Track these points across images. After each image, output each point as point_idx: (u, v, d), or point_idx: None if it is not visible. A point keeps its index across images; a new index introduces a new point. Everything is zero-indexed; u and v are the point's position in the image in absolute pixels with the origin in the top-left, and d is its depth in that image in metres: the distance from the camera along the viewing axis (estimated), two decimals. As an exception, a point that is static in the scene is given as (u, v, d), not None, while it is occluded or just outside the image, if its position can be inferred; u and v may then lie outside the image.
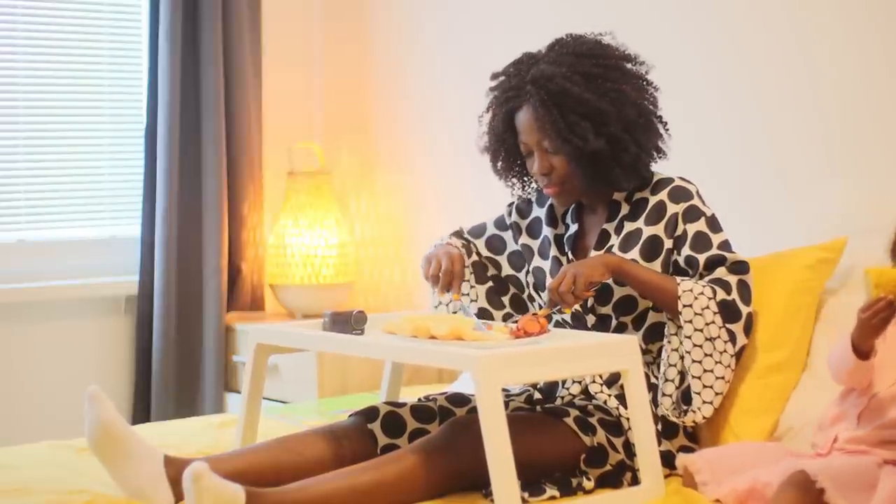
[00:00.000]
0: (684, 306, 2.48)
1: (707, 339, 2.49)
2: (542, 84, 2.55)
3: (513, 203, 2.84)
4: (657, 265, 2.57)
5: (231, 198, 4.00)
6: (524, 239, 2.79)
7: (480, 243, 2.83)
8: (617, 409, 2.50)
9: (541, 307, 2.71)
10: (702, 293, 2.48)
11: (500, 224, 2.84)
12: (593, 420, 2.47)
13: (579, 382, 2.59)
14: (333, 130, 4.27)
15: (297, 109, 4.27)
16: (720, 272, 2.53)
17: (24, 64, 3.86)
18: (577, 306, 2.61)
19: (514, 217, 2.82)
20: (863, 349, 2.22)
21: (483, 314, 2.75)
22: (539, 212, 2.78)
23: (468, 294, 2.79)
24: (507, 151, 2.71)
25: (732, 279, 2.53)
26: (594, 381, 2.57)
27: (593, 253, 2.62)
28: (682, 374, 2.53)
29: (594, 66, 2.57)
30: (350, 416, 2.56)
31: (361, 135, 4.20)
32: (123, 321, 3.99)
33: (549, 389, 2.64)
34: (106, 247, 4.01)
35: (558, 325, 2.65)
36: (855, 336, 2.22)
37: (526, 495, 2.27)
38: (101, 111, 4.01)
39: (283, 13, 4.20)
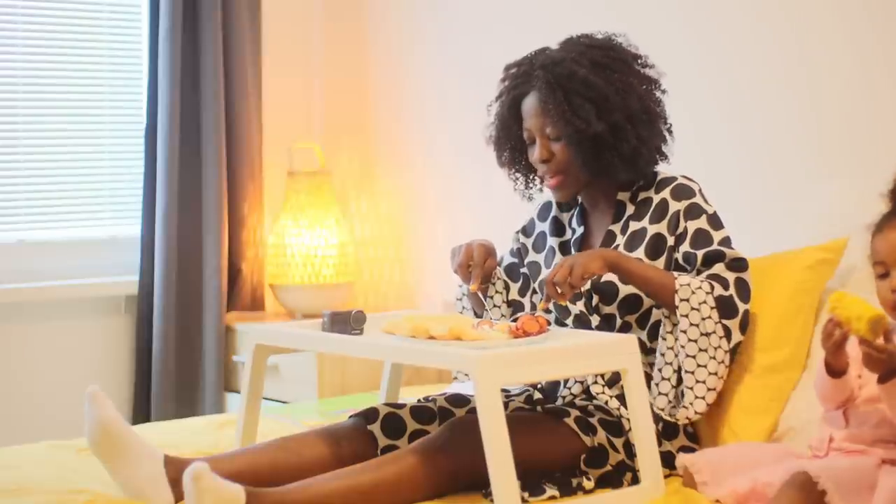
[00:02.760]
0: (681, 300, 2.47)
1: (702, 335, 2.48)
2: (551, 68, 2.58)
3: (519, 230, 2.85)
4: (661, 263, 2.57)
5: (231, 198, 4.00)
6: (531, 256, 2.79)
7: (500, 269, 2.83)
8: (618, 409, 2.50)
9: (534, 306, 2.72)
10: (699, 288, 2.48)
11: (513, 252, 2.85)
12: (594, 420, 2.47)
13: (581, 382, 2.59)
14: (333, 130, 4.27)
15: (297, 109, 4.27)
16: (718, 268, 2.53)
17: (23, 64, 3.86)
18: (581, 307, 2.62)
19: (521, 240, 2.83)
20: (834, 368, 2.23)
21: None
22: (542, 226, 2.79)
23: (496, 287, 2.79)
24: (511, 142, 2.71)
25: (730, 276, 2.53)
26: (596, 382, 2.57)
27: None
28: (678, 373, 2.53)
29: (604, 57, 2.60)
30: (350, 417, 2.56)
31: (361, 135, 4.20)
32: (123, 321, 3.99)
33: (551, 389, 2.64)
34: (106, 247, 4.01)
35: (560, 323, 2.66)
36: (828, 359, 2.24)
37: (526, 495, 2.27)
38: (101, 111, 4.01)
39: (283, 13, 4.20)
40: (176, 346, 3.94)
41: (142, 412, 3.94)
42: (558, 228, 2.76)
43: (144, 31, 3.98)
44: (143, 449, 2.28)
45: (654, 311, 2.58)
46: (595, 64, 2.57)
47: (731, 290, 2.51)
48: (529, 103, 2.62)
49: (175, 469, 2.26)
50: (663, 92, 2.65)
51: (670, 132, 2.66)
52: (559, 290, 2.46)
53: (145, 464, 2.27)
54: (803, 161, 3.05)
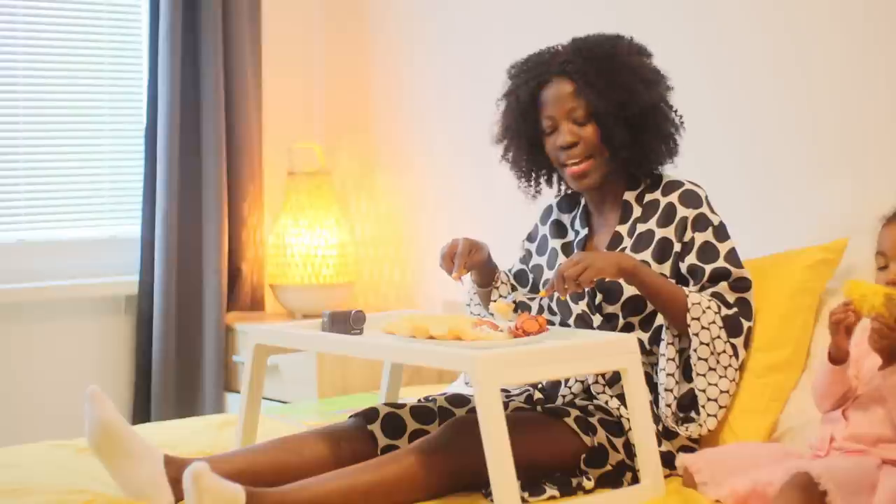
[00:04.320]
0: (693, 319, 2.48)
1: (712, 354, 2.50)
2: (587, 52, 2.58)
3: (525, 238, 2.85)
4: (667, 267, 2.57)
5: (231, 198, 4.00)
6: (534, 260, 2.79)
7: (508, 274, 2.83)
8: (618, 409, 2.50)
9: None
10: (709, 307, 2.49)
11: (522, 260, 2.85)
12: (594, 420, 2.47)
13: (581, 382, 2.59)
14: (333, 130, 4.27)
15: (297, 110, 4.27)
16: (722, 287, 2.54)
17: (24, 64, 3.87)
18: (583, 307, 2.62)
19: (526, 246, 2.84)
20: (834, 355, 2.25)
21: None
22: (544, 230, 2.79)
23: (500, 292, 2.78)
24: (527, 133, 2.66)
25: (732, 296, 2.54)
26: (596, 382, 2.57)
27: None
28: (679, 384, 2.53)
29: (629, 46, 2.62)
30: (350, 417, 2.56)
31: (361, 135, 4.20)
32: (123, 321, 3.99)
33: (552, 389, 2.64)
34: (106, 247, 4.01)
35: (563, 323, 2.66)
36: (830, 346, 2.26)
37: (526, 495, 2.27)
38: (101, 111, 4.01)
39: (283, 14, 4.20)
40: (176, 346, 3.94)
41: (142, 412, 3.94)
42: (559, 230, 2.76)
43: (144, 31, 3.98)
44: (143, 449, 2.28)
45: (659, 315, 2.58)
46: (630, 48, 2.60)
47: (735, 309, 2.53)
48: (553, 89, 2.60)
49: (175, 469, 2.26)
50: (668, 88, 2.66)
51: (682, 122, 2.67)
52: (565, 284, 2.46)
53: (145, 464, 2.26)
54: (803, 161, 3.05)
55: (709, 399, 2.51)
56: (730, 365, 2.51)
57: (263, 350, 2.60)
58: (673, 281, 2.57)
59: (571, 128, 2.59)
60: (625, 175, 2.66)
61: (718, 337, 2.50)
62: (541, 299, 2.76)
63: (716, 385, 2.51)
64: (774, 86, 3.10)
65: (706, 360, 2.50)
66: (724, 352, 2.51)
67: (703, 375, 2.50)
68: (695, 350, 2.50)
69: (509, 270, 2.85)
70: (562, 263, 2.49)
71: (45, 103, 3.91)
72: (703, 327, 2.48)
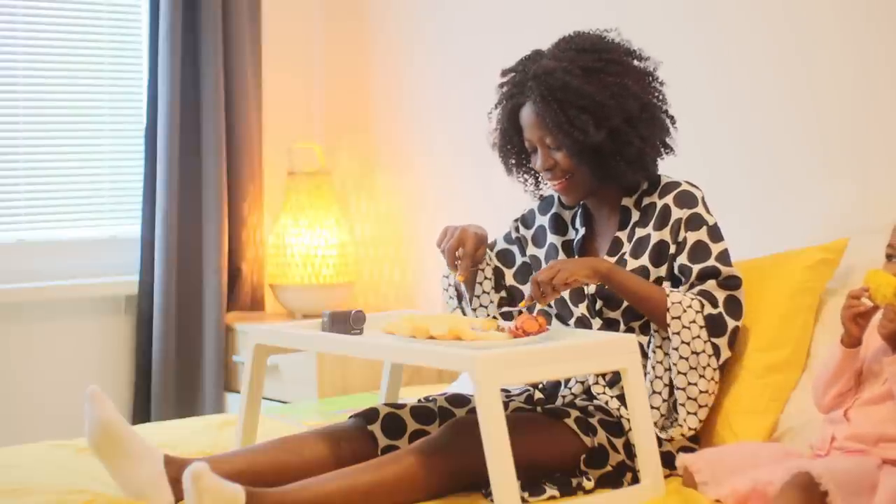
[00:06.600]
0: (672, 318, 2.48)
1: (693, 353, 2.49)
2: (543, 79, 2.55)
3: (517, 219, 2.84)
4: (664, 269, 2.57)
5: (231, 198, 4.00)
6: (531, 250, 2.78)
7: (492, 254, 2.82)
8: (618, 409, 2.51)
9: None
10: (690, 306, 2.49)
11: (508, 239, 2.84)
12: (594, 420, 2.47)
13: (582, 382, 2.59)
14: (333, 130, 4.27)
15: (297, 109, 4.27)
16: (710, 285, 2.53)
17: (24, 64, 3.87)
18: (583, 310, 2.62)
19: (521, 231, 2.82)
20: (846, 341, 2.27)
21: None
22: (543, 220, 2.78)
23: (485, 273, 2.78)
24: (515, 148, 2.71)
25: (721, 294, 2.53)
26: (597, 382, 2.57)
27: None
28: (669, 387, 2.53)
29: (595, 61, 2.57)
30: (350, 417, 2.56)
31: (361, 135, 4.20)
32: (123, 321, 3.99)
33: (552, 389, 2.64)
34: (106, 247, 4.01)
35: (563, 324, 2.66)
36: (843, 335, 2.28)
37: (526, 495, 2.27)
38: (101, 111, 4.01)
39: (282, 13, 4.20)
40: (176, 346, 3.94)
41: (142, 412, 3.94)
42: (559, 226, 2.76)
43: (144, 31, 3.98)
44: (143, 449, 2.28)
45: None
46: (587, 70, 2.55)
47: (721, 308, 2.52)
48: (527, 114, 2.61)
49: (175, 469, 2.26)
50: (661, 83, 2.64)
51: (673, 121, 2.64)
52: (541, 291, 2.46)
53: (145, 464, 2.26)
54: (804, 161, 3.05)
55: (688, 398, 2.51)
56: (708, 365, 2.50)
57: (263, 350, 2.60)
58: (664, 282, 2.57)
59: (546, 152, 2.60)
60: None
61: (698, 336, 2.49)
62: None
63: (695, 385, 2.50)
64: (776, 86, 3.10)
65: (686, 359, 2.49)
66: (704, 351, 2.50)
67: (684, 374, 2.50)
68: (675, 349, 2.49)
69: (492, 248, 2.83)
70: (536, 273, 2.50)
71: (45, 103, 3.91)
72: (683, 326, 2.48)
